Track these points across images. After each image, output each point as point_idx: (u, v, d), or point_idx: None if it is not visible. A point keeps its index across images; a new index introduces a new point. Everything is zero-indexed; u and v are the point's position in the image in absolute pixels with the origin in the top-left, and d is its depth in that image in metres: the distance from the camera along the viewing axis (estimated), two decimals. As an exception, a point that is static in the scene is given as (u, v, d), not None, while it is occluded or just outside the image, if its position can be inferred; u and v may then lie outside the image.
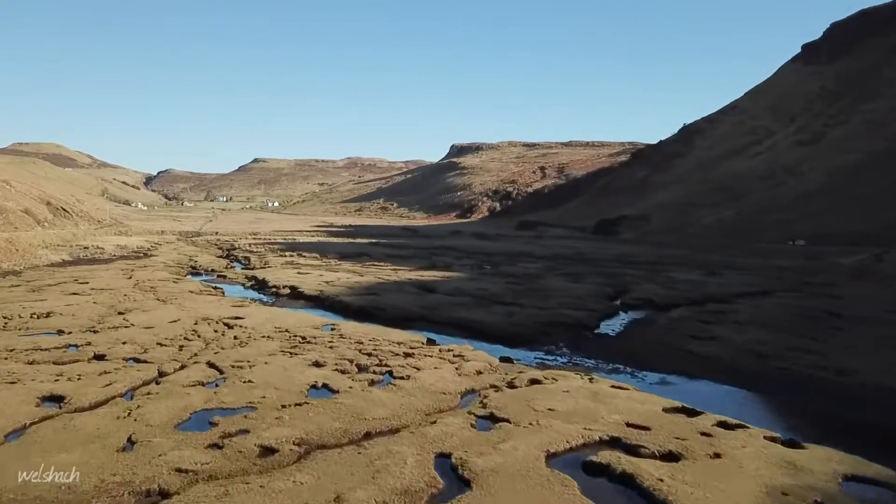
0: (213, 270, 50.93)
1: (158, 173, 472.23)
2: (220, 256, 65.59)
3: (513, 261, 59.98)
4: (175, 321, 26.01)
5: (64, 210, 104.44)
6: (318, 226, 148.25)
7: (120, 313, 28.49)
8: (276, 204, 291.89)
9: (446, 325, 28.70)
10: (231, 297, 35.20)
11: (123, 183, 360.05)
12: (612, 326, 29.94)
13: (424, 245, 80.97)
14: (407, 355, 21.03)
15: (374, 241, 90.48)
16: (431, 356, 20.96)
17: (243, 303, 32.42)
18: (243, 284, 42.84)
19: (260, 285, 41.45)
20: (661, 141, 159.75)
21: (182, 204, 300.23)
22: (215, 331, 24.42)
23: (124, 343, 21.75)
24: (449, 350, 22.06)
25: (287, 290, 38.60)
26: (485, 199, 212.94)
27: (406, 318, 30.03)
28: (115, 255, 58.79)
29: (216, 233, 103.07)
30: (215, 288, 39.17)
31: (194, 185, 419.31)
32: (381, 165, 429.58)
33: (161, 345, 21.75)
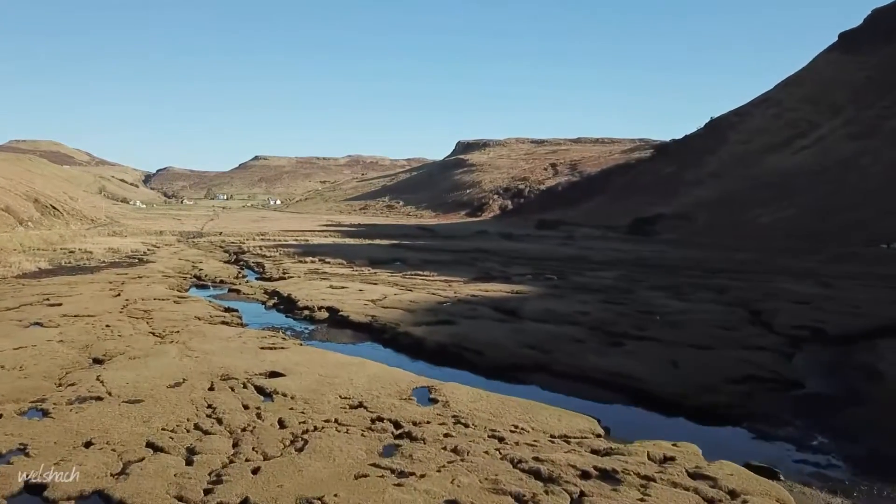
0: (222, 282, 41.16)
1: (157, 171, 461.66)
2: (228, 262, 55.81)
3: (574, 268, 50.31)
4: (179, 384, 16.21)
5: (53, 208, 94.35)
6: (327, 225, 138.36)
7: (96, 361, 18.79)
8: (279, 202, 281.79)
9: (580, 379, 18.99)
10: (255, 329, 25.34)
11: (122, 181, 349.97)
12: (819, 380, 20.26)
13: (455, 247, 71.25)
14: (605, 474, 11.33)
15: (395, 242, 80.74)
16: (654, 480, 11.21)
17: (274, 339, 22.57)
18: (263, 303, 33.07)
19: (287, 305, 31.68)
20: (686, 136, 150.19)
21: (182, 202, 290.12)
22: (245, 406, 14.63)
23: (87, 446, 12.02)
24: (666, 459, 12.29)
25: (325, 314, 28.85)
26: (495, 196, 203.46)
27: (515, 365, 20.32)
28: (104, 262, 48.90)
29: (220, 233, 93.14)
30: (229, 310, 29.49)
31: (194, 183, 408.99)
32: (383, 163, 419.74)
33: (155, 448, 12.03)
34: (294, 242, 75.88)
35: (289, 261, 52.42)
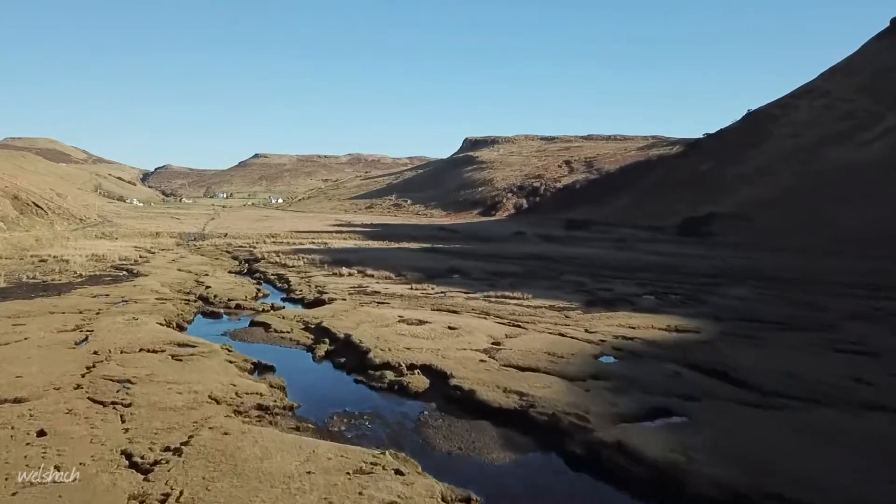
0: (238, 306, 29.34)
1: (156, 169, 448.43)
2: (240, 272, 44.03)
3: (683, 282, 38.66)
4: None
5: (36, 206, 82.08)
6: (339, 224, 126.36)
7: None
8: (280, 200, 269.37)
9: None
10: (326, 442, 13.40)
11: (119, 178, 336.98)
12: None
13: (504, 252, 59.51)
14: None
15: (426, 245, 68.97)
16: None
17: (377, 477, 10.78)
18: (310, 349, 21.21)
19: (349, 356, 19.78)
20: (720, 130, 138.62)
21: (180, 200, 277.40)
22: None
23: None
24: None
25: (422, 381, 17.00)
26: (509, 194, 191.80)
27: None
28: (80, 276, 36.85)
29: (225, 234, 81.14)
30: (262, 370, 17.82)
31: (193, 182, 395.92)
32: (385, 161, 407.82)
33: None
34: (313, 246, 63.99)
35: (319, 272, 40.55)
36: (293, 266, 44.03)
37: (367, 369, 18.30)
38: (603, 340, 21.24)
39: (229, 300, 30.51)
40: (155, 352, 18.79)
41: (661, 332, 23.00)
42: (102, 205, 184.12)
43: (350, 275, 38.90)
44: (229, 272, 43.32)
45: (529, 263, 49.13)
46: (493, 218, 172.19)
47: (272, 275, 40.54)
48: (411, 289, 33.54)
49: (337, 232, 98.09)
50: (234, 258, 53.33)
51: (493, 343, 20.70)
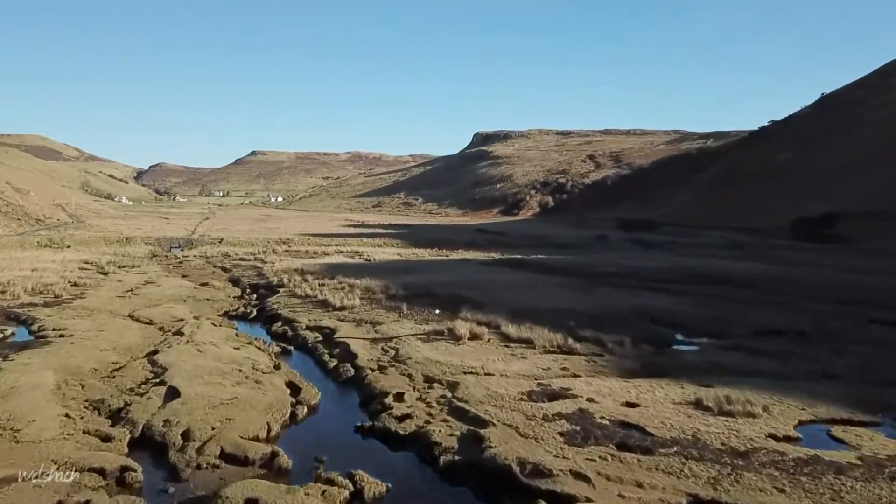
0: None
1: (150, 167, 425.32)
2: (244, 315, 23.70)
3: None
4: None
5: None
6: (353, 225, 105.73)
7: None
8: (280, 199, 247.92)
9: None
10: None
11: (110, 176, 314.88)
12: None
13: (646, 273, 39.32)
14: None
15: (495, 256, 49.01)
16: None
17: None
18: None
19: None
20: (789, 117, 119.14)
21: (174, 199, 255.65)
22: None
23: None
24: None
25: None
26: (532, 191, 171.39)
27: None
28: None
29: (220, 240, 60.37)
30: None
31: (188, 180, 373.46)
32: (387, 159, 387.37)
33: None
34: (347, 260, 43.69)
35: (401, 324, 20.22)
36: (340, 306, 23.62)
37: None
38: None
39: (226, 455, 10.24)
40: None
41: None
42: (86, 203, 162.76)
43: (478, 338, 18.49)
44: (224, 317, 23.08)
45: (700, 291, 29.15)
46: (517, 217, 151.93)
47: (310, 333, 20.20)
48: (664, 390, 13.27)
49: (356, 235, 77.71)
50: (233, 281, 33.03)
51: None
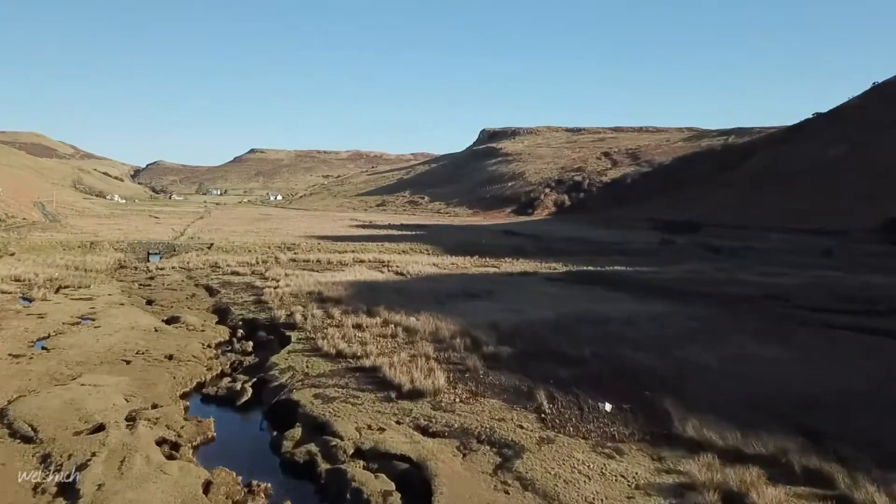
0: None
1: (147, 165, 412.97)
2: (231, 393, 12.33)
3: None
4: None
5: None
6: (360, 225, 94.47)
7: None
8: (279, 197, 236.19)
9: None
10: None
11: (104, 174, 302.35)
12: None
13: (760, 289, 28.41)
14: None
15: (553, 268, 38.12)
16: None
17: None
18: None
19: None
20: (835, 109, 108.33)
21: (170, 197, 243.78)
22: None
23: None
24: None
25: None
26: (546, 190, 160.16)
27: None
28: None
29: (210, 244, 48.98)
30: None
31: (185, 178, 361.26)
32: (388, 157, 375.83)
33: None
34: (375, 276, 32.48)
35: (559, 442, 9.33)
36: (411, 388, 12.48)
37: None
38: None
39: None
40: None
41: None
42: (73, 201, 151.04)
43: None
44: (193, 399, 12.11)
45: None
46: (532, 217, 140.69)
47: (369, 478, 9.06)
48: None
49: (369, 238, 66.68)
50: (219, 312, 21.97)
51: None
